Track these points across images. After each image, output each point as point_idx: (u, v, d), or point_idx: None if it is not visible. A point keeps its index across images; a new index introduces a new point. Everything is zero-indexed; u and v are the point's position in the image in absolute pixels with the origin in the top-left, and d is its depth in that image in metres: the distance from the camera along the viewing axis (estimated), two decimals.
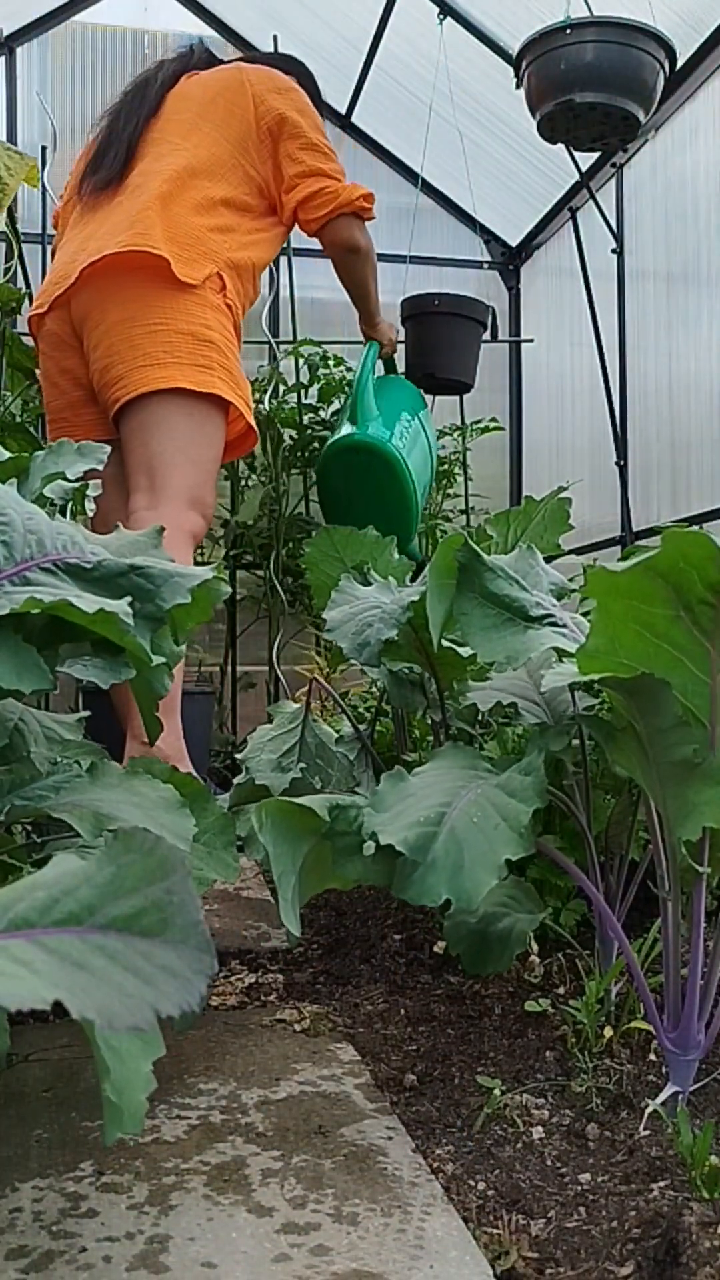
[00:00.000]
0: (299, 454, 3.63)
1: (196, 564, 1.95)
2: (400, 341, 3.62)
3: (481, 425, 4.07)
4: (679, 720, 0.96)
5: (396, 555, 2.09)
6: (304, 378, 3.58)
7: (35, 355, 2.58)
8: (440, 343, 3.45)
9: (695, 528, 1.05)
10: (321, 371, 3.63)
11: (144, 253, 1.95)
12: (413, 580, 2.16)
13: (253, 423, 2.18)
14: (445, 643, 1.48)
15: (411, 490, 2.44)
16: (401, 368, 3.77)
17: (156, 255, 1.96)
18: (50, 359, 2.16)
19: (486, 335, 3.54)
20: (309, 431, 3.62)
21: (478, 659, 1.14)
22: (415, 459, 2.54)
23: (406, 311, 3.54)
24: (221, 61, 2.42)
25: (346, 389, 3.77)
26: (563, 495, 2.02)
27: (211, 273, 2.06)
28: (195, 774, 1.92)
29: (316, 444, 3.64)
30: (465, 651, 1.50)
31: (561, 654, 1.11)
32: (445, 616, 1.20)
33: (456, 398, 4.11)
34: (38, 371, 2.34)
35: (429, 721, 1.95)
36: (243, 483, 3.66)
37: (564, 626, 1.12)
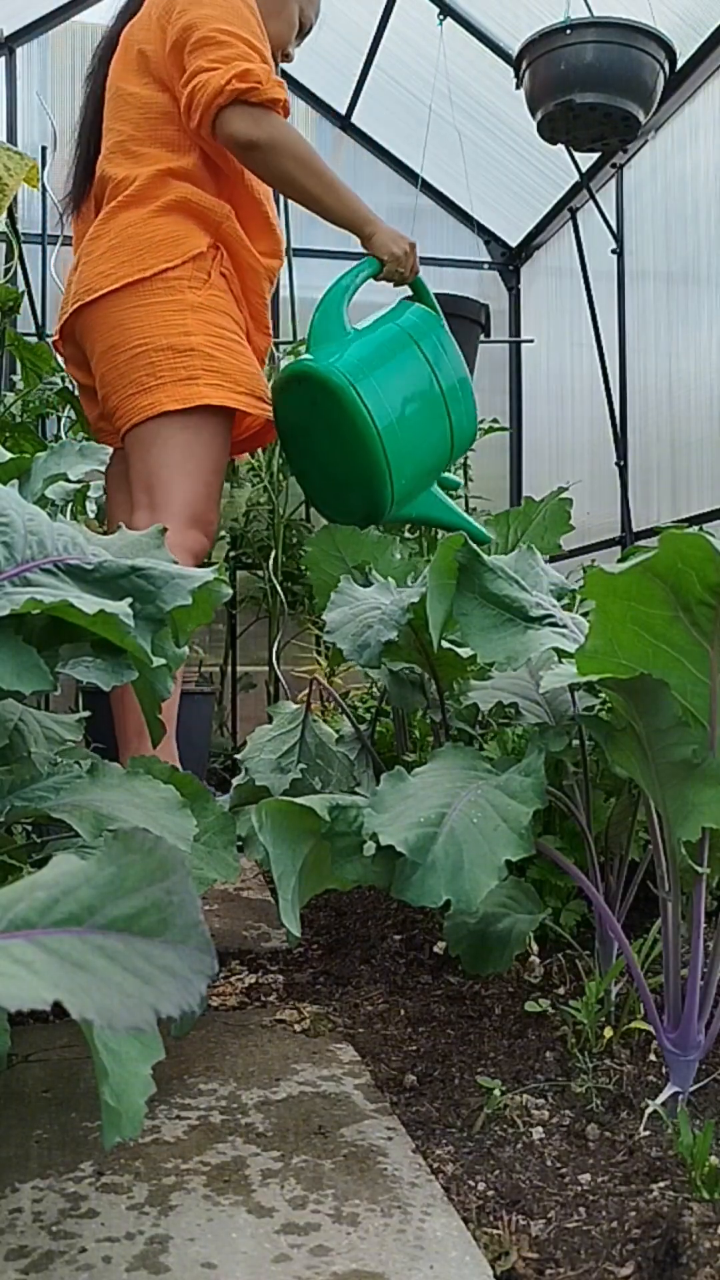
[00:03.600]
0: None
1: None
2: None
3: (485, 426, 4.07)
4: (678, 721, 0.96)
5: (396, 556, 2.08)
6: None
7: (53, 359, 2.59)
8: None
9: (695, 528, 1.05)
10: None
11: (105, 292, 1.91)
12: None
13: (267, 414, 2.00)
14: (445, 643, 1.48)
15: (368, 425, 1.80)
16: None
17: (117, 286, 1.90)
18: (78, 375, 2.14)
19: (484, 335, 3.54)
20: None
21: (478, 659, 1.14)
22: (396, 391, 1.87)
23: None
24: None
25: None
26: (563, 496, 2.02)
27: (187, 253, 1.89)
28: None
29: None
30: (465, 652, 1.50)
31: (561, 654, 1.11)
32: (445, 617, 1.20)
33: None
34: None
35: (429, 722, 1.95)
36: (237, 483, 3.66)
37: (564, 627, 1.12)
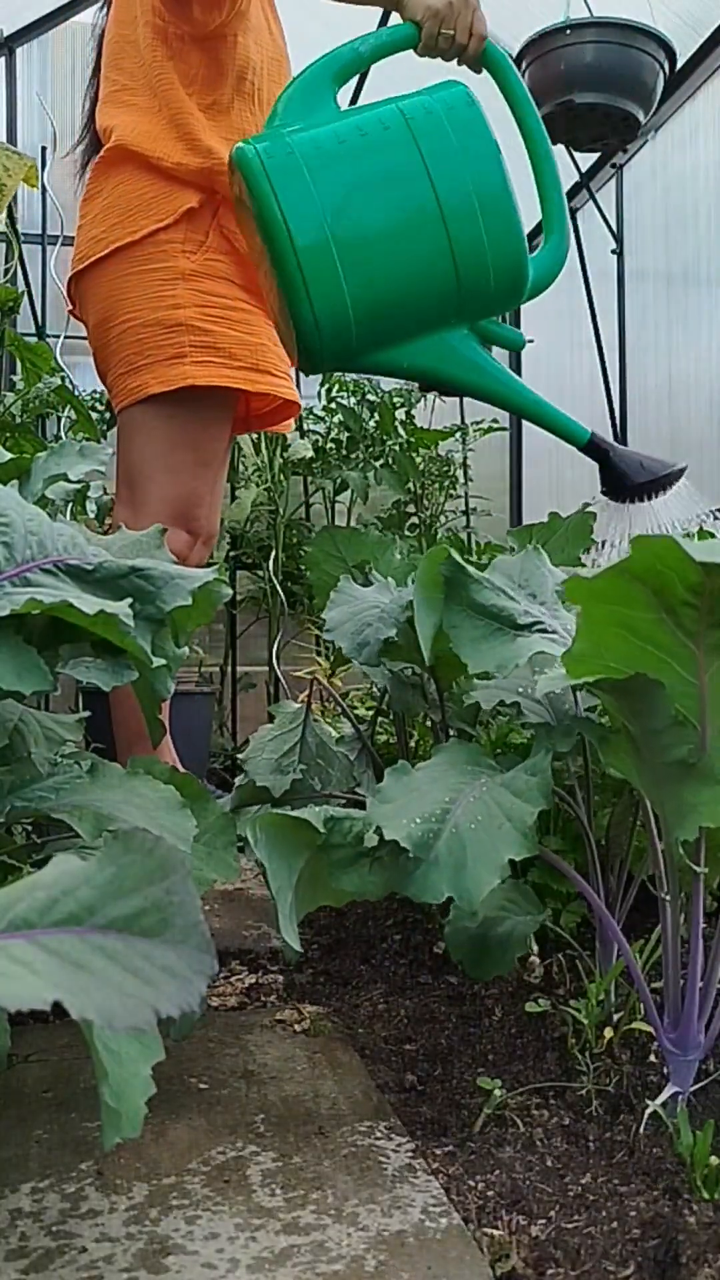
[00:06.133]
0: (301, 459, 3.65)
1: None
2: None
3: (484, 426, 4.07)
4: (673, 721, 0.96)
5: (396, 556, 2.06)
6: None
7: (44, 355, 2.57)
8: None
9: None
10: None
11: (99, 257, 1.81)
12: None
13: (273, 390, 1.84)
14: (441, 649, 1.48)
15: (276, 222, 1.35)
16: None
17: (107, 251, 1.79)
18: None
19: None
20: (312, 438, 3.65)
21: (469, 669, 1.14)
22: (352, 193, 1.37)
23: None
24: None
25: (348, 391, 3.78)
26: (588, 511, 2.01)
27: (179, 209, 1.75)
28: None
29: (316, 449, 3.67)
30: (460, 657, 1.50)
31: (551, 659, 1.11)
32: (435, 630, 1.19)
33: (456, 398, 4.12)
34: None
35: (428, 724, 1.95)
36: (242, 484, 3.67)
37: (554, 633, 1.12)
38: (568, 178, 4.09)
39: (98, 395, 3.39)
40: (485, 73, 1.62)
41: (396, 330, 1.43)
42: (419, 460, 3.83)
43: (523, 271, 1.47)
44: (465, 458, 4.04)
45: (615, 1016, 1.20)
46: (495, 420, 4.18)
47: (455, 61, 1.61)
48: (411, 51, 1.57)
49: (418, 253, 1.40)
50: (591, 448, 1.53)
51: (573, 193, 4.17)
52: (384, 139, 1.40)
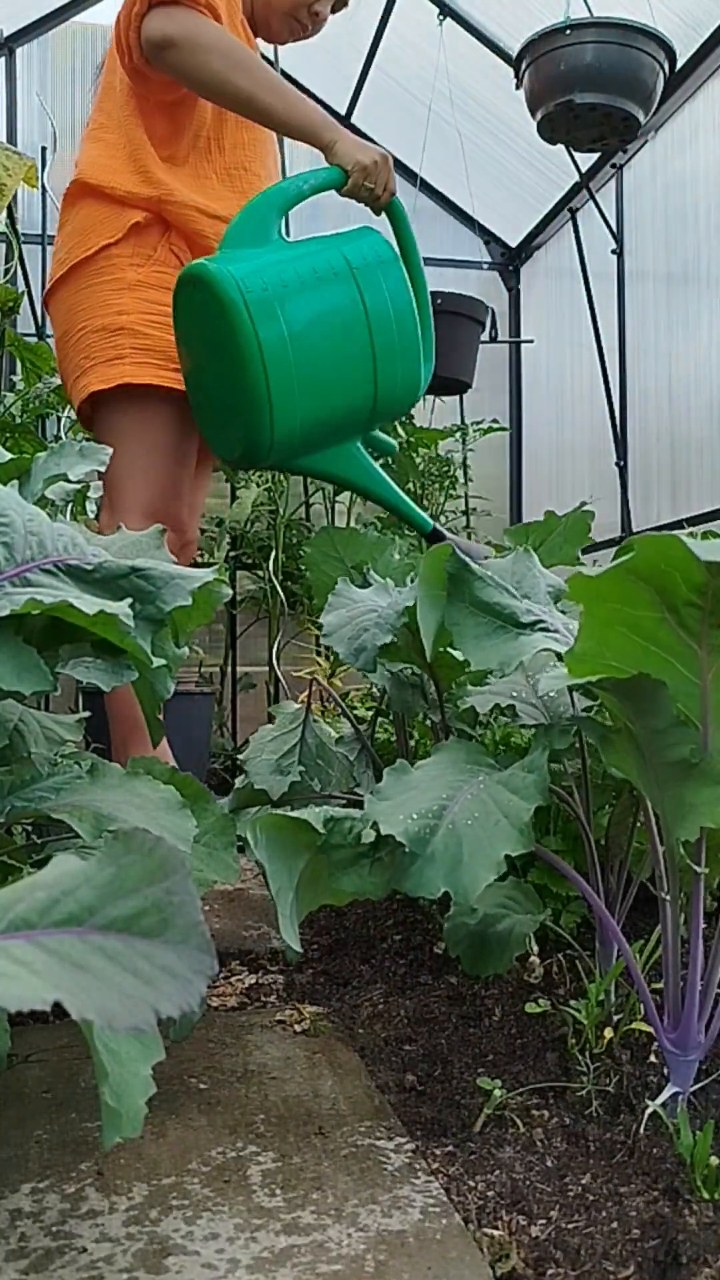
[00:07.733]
0: None
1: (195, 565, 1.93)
2: None
3: (484, 427, 4.07)
4: (675, 721, 0.96)
5: (394, 556, 2.06)
6: None
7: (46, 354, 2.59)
8: (439, 342, 3.45)
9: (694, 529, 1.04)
10: None
11: (63, 273, 1.93)
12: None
13: None
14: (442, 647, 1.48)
15: (251, 347, 1.57)
16: None
17: (66, 269, 1.91)
18: None
19: (485, 335, 3.53)
20: None
21: (471, 666, 1.14)
22: (307, 326, 1.64)
23: None
24: None
25: None
26: (585, 509, 2.01)
27: (125, 224, 1.85)
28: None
29: None
30: (462, 655, 1.50)
31: (559, 657, 1.11)
32: (438, 627, 1.20)
33: (457, 398, 4.12)
34: None
35: (428, 724, 1.96)
36: (242, 484, 3.66)
37: (555, 631, 1.12)
38: (568, 177, 4.09)
39: None
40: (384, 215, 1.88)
41: (324, 440, 1.74)
42: (419, 460, 3.82)
43: (418, 394, 1.82)
44: (465, 458, 4.04)
45: (615, 1017, 1.20)
46: (495, 420, 4.18)
47: (366, 206, 1.84)
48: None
49: (352, 378, 1.70)
50: (436, 537, 1.84)
51: (573, 193, 4.17)
52: (334, 283, 1.68)
